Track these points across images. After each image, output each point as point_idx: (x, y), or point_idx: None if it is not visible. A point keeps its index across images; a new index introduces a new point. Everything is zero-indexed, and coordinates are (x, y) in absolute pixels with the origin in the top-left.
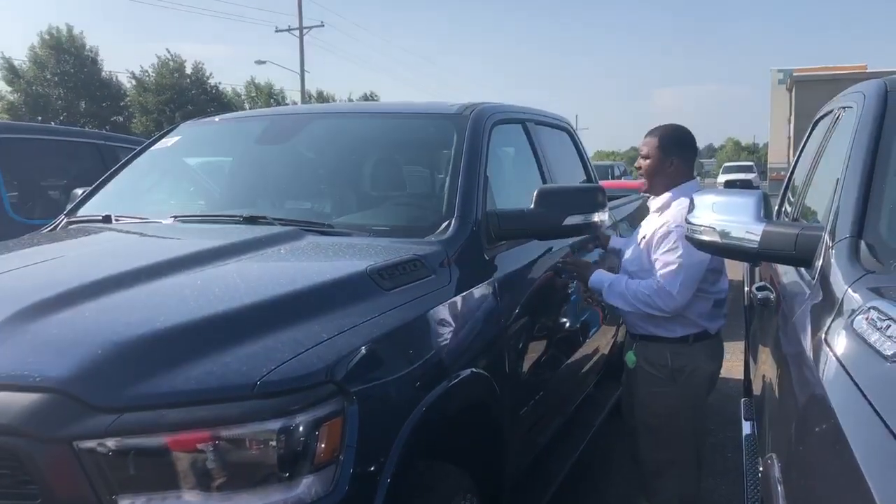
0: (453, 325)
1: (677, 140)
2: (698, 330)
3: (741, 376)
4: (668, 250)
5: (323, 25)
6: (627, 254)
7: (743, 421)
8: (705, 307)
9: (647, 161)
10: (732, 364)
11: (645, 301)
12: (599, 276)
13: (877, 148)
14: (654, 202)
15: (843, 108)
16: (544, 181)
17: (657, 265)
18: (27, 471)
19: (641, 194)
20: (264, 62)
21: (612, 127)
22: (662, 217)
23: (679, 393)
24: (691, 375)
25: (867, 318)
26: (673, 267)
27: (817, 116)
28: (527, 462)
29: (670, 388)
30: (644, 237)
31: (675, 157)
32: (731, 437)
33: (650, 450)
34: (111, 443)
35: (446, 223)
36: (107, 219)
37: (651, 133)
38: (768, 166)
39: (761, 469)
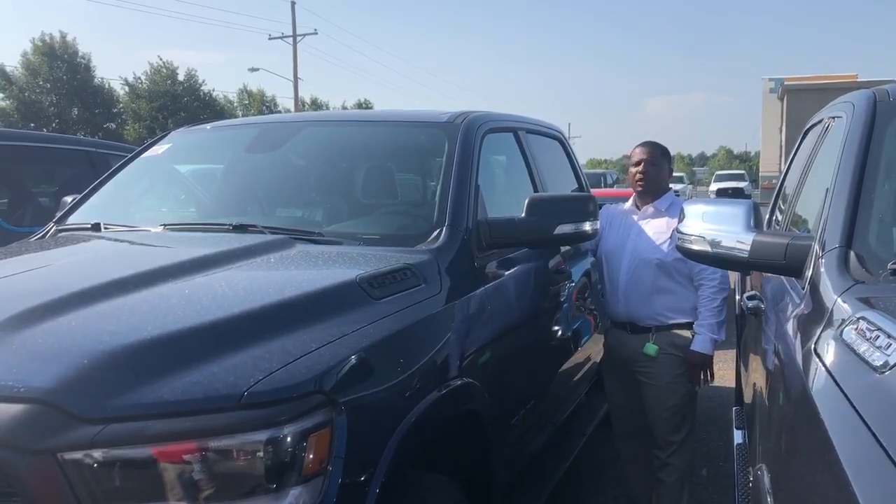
0: (443, 334)
1: (667, 150)
2: None
3: (733, 385)
4: None
5: (316, 33)
6: (655, 252)
7: (734, 430)
8: None
9: (654, 167)
10: (724, 372)
11: (721, 303)
12: (704, 341)
13: (866, 158)
14: (659, 203)
15: (833, 117)
16: (535, 190)
17: None
18: (10, 482)
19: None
20: (257, 69)
21: (605, 135)
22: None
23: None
24: None
25: (856, 329)
26: None
27: (808, 126)
28: (517, 471)
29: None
30: (673, 231)
31: (668, 164)
32: (722, 446)
33: (672, 432)
34: (97, 454)
35: (437, 232)
36: (96, 227)
37: (650, 144)
38: (760, 175)
39: (752, 479)
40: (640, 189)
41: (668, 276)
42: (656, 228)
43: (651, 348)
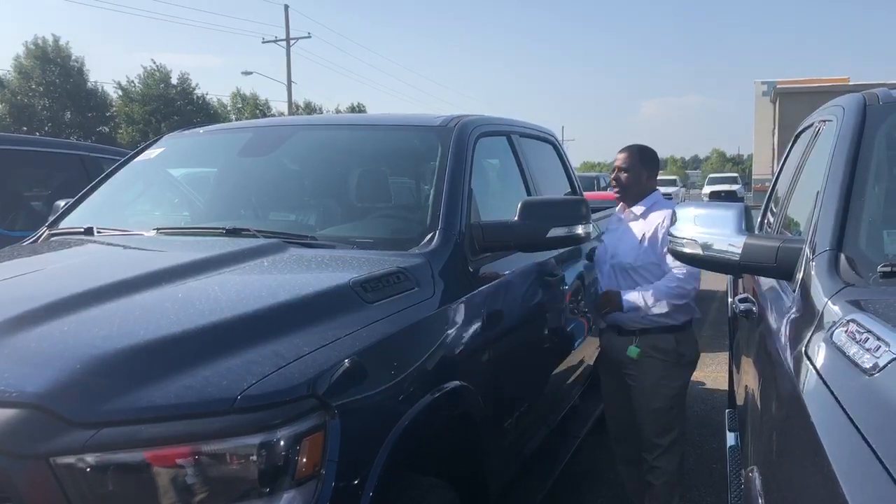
0: (437, 337)
1: (650, 157)
2: (691, 316)
3: (726, 387)
4: None
5: (310, 36)
6: (627, 257)
7: (727, 432)
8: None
9: (626, 174)
10: (717, 375)
11: (678, 293)
12: (632, 298)
13: (856, 161)
14: (636, 208)
15: (824, 121)
16: (528, 193)
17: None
18: (3, 487)
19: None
20: (251, 73)
21: (599, 138)
22: (653, 218)
23: (683, 373)
24: (690, 356)
25: (846, 331)
26: None
27: (799, 129)
28: (512, 474)
29: (675, 370)
30: (644, 236)
31: (649, 171)
32: (716, 449)
33: (657, 435)
34: (89, 458)
35: (430, 235)
36: (89, 231)
37: (627, 150)
38: (753, 177)
39: (744, 481)
40: (616, 194)
41: (644, 280)
42: (631, 233)
43: (633, 351)
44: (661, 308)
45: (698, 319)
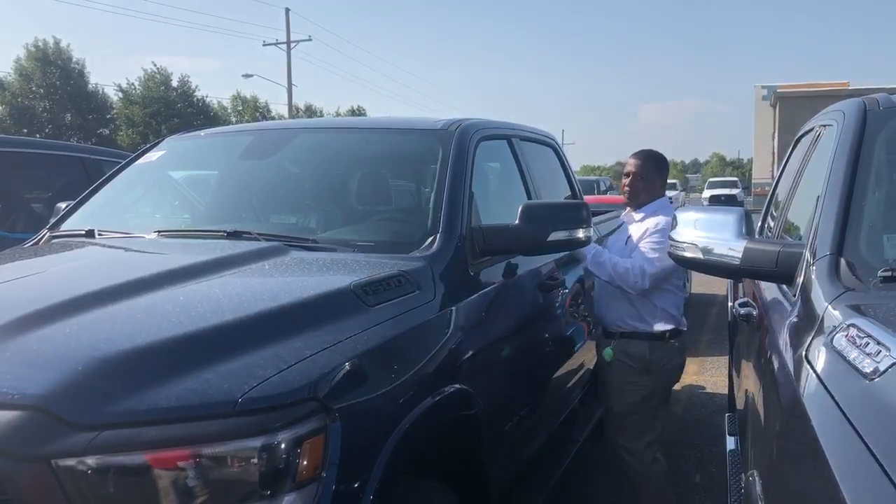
0: (438, 340)
1: (661, 162)
2: (674, 326)
3: (726, 391)
4: (654, 241)
5: (311, 39)
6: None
7: (727, 436)
8: (680, 302)
9: (642, 181)
10: (717, 379)
11: (620, 274)
12: (593, 249)
13: (856, 166)
14: (638, 213)
15: (824, 125)
16: (529, 197)
17: (642, 248)
18: (4, 489)
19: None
20: (251, 76)
21: (598, 141)
22: (648, 222)
23: (652, 383)
24: (665, 367)
25: (847, 336)
26: (655, 255)
27: (799, 133)
28: (511, 478)
29: (644, 378)
30: (630, 237)
31: (662, 178)
32: (715, 452)
33: (620, 435)
34: (91, 461)
35: (431, 238)
36: (90, 233)
37: (640, 155)
38: (753, 181)
39: (744, 486)
40: (626, 199)
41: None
42: (625, 237)
43: (607, 353)
44: (600, 271)
45: (686, 331)
